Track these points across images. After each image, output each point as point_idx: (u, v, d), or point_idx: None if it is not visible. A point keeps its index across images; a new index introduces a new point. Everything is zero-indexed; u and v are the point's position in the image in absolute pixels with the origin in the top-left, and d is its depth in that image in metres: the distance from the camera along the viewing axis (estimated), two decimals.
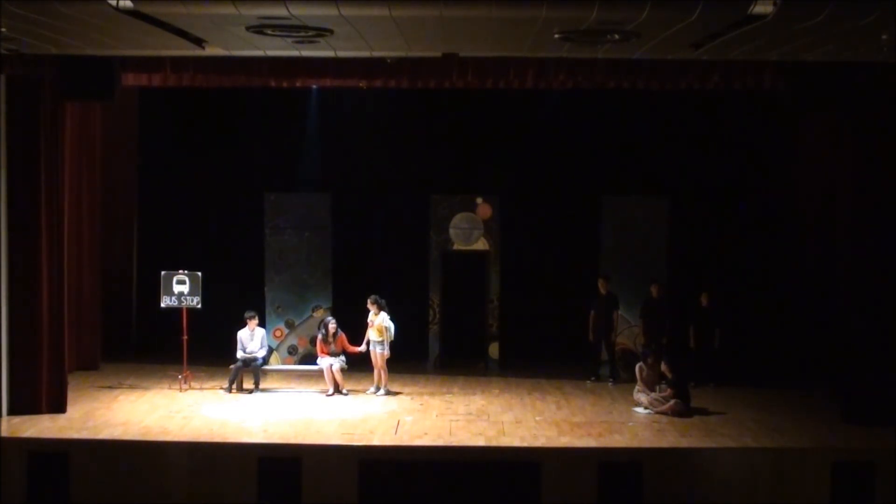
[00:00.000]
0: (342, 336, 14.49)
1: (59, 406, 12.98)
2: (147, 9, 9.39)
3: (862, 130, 12.83)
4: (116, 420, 12.71)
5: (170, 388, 14.49)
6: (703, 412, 13.37)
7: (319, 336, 14.60)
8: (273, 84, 13.47)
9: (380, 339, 14.28)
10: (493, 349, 16.35)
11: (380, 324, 14.28)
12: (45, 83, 12.72)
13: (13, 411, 12.77)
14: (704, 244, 16.76)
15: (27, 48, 11.57)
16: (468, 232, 16.32)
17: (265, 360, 14.81)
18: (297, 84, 13.75)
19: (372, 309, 14.33)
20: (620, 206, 16.05)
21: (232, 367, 14.51)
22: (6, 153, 12.76)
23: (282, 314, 15.85)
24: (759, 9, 8.91)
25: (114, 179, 16.82)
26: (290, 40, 10.76)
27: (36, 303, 12.86)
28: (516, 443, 11.90)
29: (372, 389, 14.41)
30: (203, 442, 11.86)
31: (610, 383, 15.22)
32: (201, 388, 14.59)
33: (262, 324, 15.16)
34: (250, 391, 14.48)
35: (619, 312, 15.48)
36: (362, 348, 14.43)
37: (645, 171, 16.63)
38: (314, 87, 15.75)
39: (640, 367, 13.83)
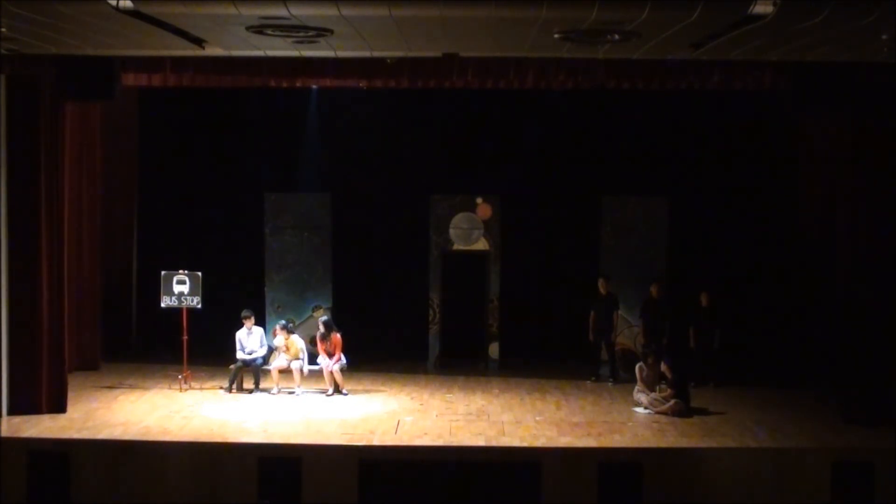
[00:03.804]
0: (335, 336, 14.46)
1: (59, 406, 12.98)
2: (147, 9, 9.39)
3: (862, 130, 12.83)
4: (116, 420, 12.71)
5: (170, 388, 14.49)
6: (703, 412, 13.36)
7: (318, 335, 14.62)
8: (273, 84, 13.48)
9: (299, 357, 14.50)
10: (493, 349, 16.35)
11: (295, 346, 14.50)
12: (45, 83, 12.72)
13: (13, 411, 12.77)
14: (704, 244, 16.76)
15: (27, 48, 11.57)
16: (468, 232, 16.31)
17: (265, 360, 14.80)
18: (297, 84, 13.75)
19: (281, 335, 14.53)
20: (620, 206, 16.06)
21: (232, 367, 14.51)
22: (6, 153, 12.76)
23: (282, 314, 15.84)
24: (759, 9, 8.92)
25: (114, 179, 16.80)
26: (290, 40, 10.77)
27: (36, 303, 12.86)
28: (516, 443, 11.90)
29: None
30: (203, 442, 11.86)
31: (610, 383, 15.21)
32: (201, 388, 14.59)
33: (262, 324, 15.17)
34: (250, 391, 14.48)
35: (619, 312, 15.48)
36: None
37: (645, 171, 16.62)
38: (314, 87, 15.74)
39: (640, 367, 13.83)
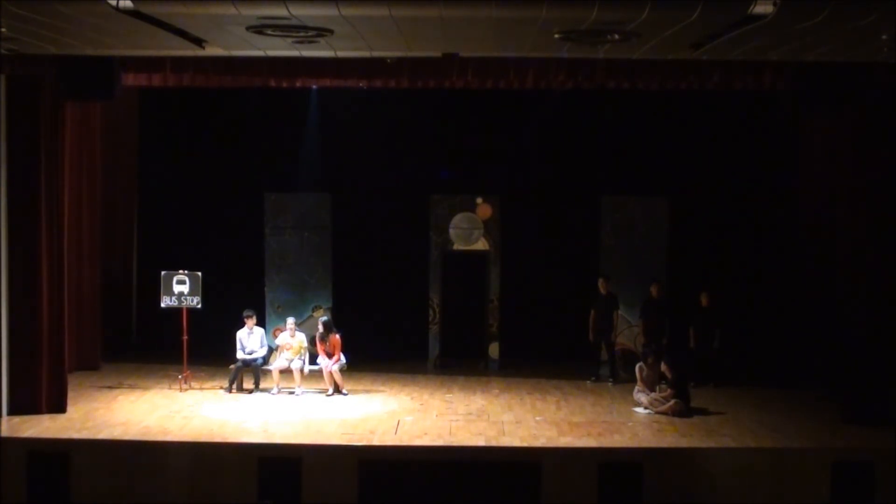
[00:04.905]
0: (335, 337, 14.45)
1: (59, 406, 12.98)
2: (147, 9, 9.39)
3: (862, 130, 12.84)
4: (116, 420, 12.71)
5: (170, 388, 14.49)
6: (703, 412, 13.37)
7: (317, 335, 14.63)
8: (273, 84, 13.46)
9: (300, 356, 14.55)
10: (493, 349, 16.35)
11: (299, 343, 14.55)
12: (45, 83, 12.72)
13: (13, 411, 12.76)
14: (704, 244, 16.76)
15: (27, 48, 11.57)
16: (468, 232, 16.32)
17: (265, 360, 14.80)
18: (297, 84, 13.74)
19: (288, 331, 14.62)
20: (620, 206, 16.07)
21: (232, 367, 14.51)
22: (6, 153, 12.76)
23: (282, 314, 15.83)
24: (759, 9, 8.91)
25: (114, 179, 16.81)
26: (290, 40, 10.76)
27: (36, 303, 12.86)
28: (516, 443, 11.90)
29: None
30: (203, 442, 11.86)
31: (610, 383, 15.22)
32: (201, 388, 14.59)
33: (262, 324, 15.18)
34: (250, 391, 14.48)
35: (619, 312, 15.48)
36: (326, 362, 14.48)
37: (645, 171, 16.63)
38: (314, 87, 15.75)
39: (640, 367, 13.83)
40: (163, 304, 14.71)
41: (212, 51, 11.78)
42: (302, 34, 10.36)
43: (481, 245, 16.32)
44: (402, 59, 12.57)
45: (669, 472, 11.55)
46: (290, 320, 14.78)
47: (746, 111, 16.30)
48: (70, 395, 13.34)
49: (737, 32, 9.88)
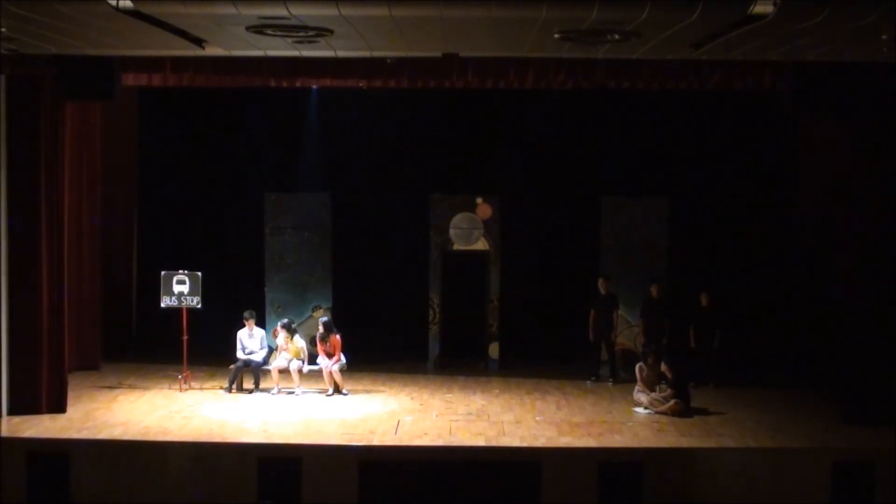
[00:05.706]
0: (335, 337, 14.44)
1: (59, 406, 12.98)
2: (147, 9, 9.39)
3: (862, 130, 12.84)
4: (116, 420, 12.71)
5: (170, 388, 14.49)
6: (703, 412, 13.37)
7: (317, 335, 14.62)
8: (273, 84, 13.48)
9: (300, 357, 14.55)
10: (493, 349, 16.35)
11: (296, 346, 14.54)
12: (45, 83, 12.72)
13: (13, 411, 12.77)
14: (704, 244, 16.76)
15: (27, 48, 11.57)
16: (468, 232, 16.31)
17: (265, 360, 14.80)
18: (297, 84, 13.76)
19: (282, 334, 14.55)
20: (620, 206, 16.05)
21: (232, 367, 14.51)
22: (6, 153, 12.76)
23: (282, 314, 15.82)
24: (759, 9, 8.92)
25: (114, 179, 16.80)
26: (290, 40, 10.77)
27: (36, 303, 12.86)
28: (516, 443, 11.90)
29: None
30: (203, 442, 11.86)
31: (610, 383, 15.21)
32: (201, 388, 14.59)
33: (262, 324, 15.17)
34: (250, 391, 14.48)
35: (619, 312, 15.48)
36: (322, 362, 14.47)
37: (645, 171, 16.62)
38: (314, 87, 15.75)
39: (640, 367, 13.83)
40: (163, 304, 14.71)
41: (212, 51, 11.79)
42: (302, 34, 10.37)
43: (481, 245, 16.31)
44: (402, 59, 12.57)
45: (669, 472, 11.56)
46: (279, 324, 14.76)
47: (746, 111, 16.30)
48: (70, 395, 13.34)
49: (737, 32, 9.89)
